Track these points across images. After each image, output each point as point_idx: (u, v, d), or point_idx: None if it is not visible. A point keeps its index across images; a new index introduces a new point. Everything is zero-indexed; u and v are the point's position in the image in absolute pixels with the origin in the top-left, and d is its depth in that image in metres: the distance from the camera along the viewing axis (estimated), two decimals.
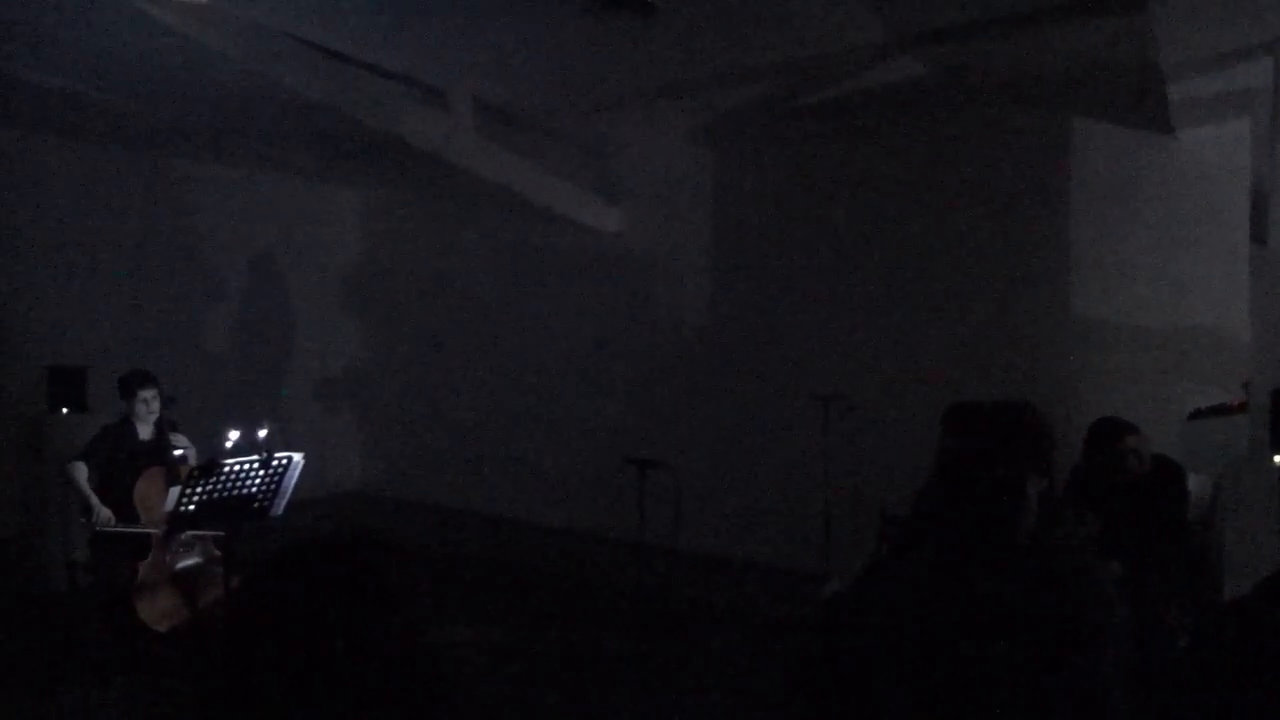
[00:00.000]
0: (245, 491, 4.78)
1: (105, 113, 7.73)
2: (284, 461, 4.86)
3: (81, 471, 5.62)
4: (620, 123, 8.39)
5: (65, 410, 7.33)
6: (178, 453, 5.79)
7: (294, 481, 4.92)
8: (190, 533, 5.26)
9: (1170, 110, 6.24)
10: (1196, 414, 6.16)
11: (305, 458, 4.93)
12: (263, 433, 5.22)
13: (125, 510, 5.56)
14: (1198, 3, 4.90)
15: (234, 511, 4.76)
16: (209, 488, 4.67)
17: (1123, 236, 6.82)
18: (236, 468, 4.73)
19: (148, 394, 5.81)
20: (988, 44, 6.11)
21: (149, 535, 5.43)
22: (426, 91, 7.51)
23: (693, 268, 8.79)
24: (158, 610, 5.34)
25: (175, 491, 4.73)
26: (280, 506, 4.93)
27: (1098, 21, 5.53)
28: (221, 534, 4.96)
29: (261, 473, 4.80)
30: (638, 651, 5.85)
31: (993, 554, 2.26)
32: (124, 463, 5.69)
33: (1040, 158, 7.07)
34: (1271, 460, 4.98)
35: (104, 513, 5.54)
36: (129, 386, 5.83)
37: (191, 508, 4.67)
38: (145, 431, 5.87)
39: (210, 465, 4.71)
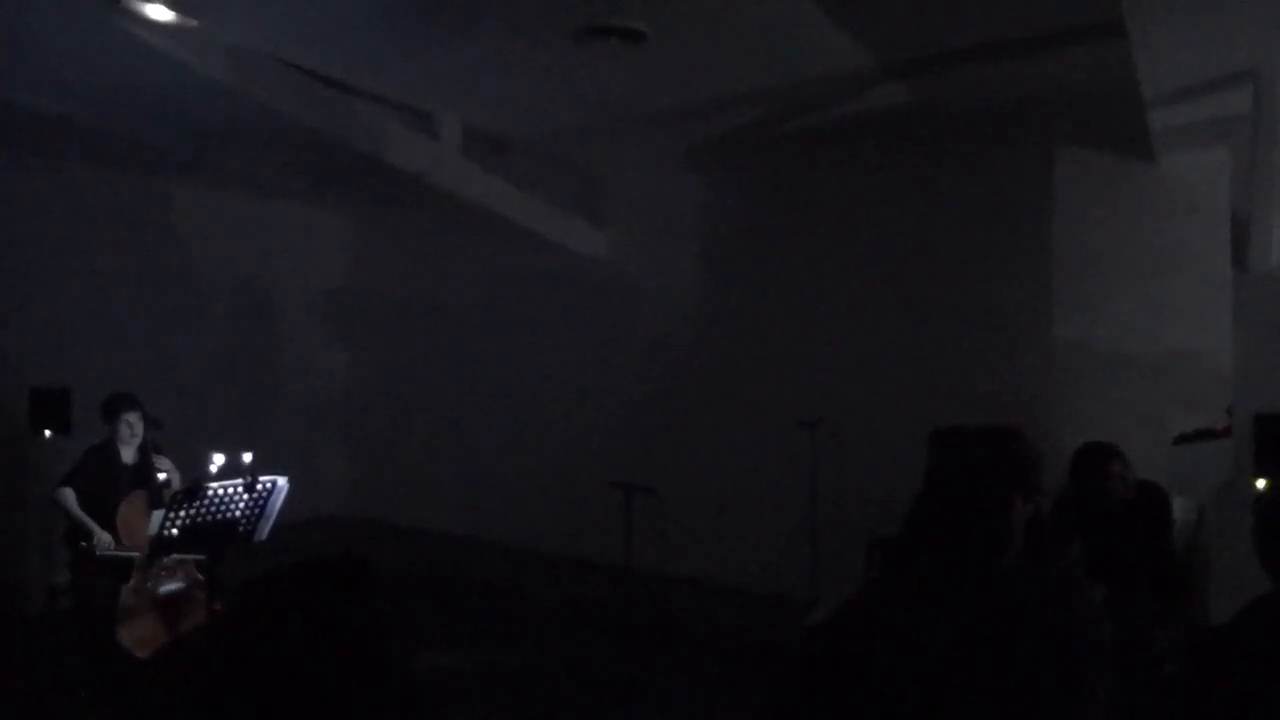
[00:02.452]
0: (229, 516, 4.75)
1: (90, 135, 7.71)
2: (268, 486, 4.83)
3: (71, 497, 5.56)
4: (607, 147, 8.42)
5: (48, 433, 7.28)
6: (161, 476, 5.74)
7: (279, 506, 4.89)
8: (173, 557, 5.21)
9: (1151, 137, 6.31)
10: (1181, 438, 6.20)
11: (290, 481, 4.90)
12: (247, 457, 5.18)
13: (108, 533, 5.51)
14: (1177, 31, 4.95)
15: (218, 536, 4.72)
16: (192, 512, 4.63)
17: (1106, 262, 6.87)
18: (220, 492, 4.70)
19: (131, 417, 5.76)
20: (971, 72, 6.18)
21: (131, 559, 5.37)
22: (413, 116, 7.53)
23: (679, 291, 8.80)
24: (139, 636, 5.26)
25: (158, 515, 4.68)
26: (265, 531, 4.91)
27: (1079, 50, 5.60)
28: (205, 559, 4.92)
29: (246, 497, 4.77)
30: (624, 677, 5.82)
31: (979, 578, 2.26)
32: (107, 486, 5.63)
33: (1023, 184, 7.13)
34: (1255, 484, 5.01)
35: (105, 537, 5.47)
36: (113, 409, 5.78)
37: (175, 532, 4.63)
38: (129, 455, 5.81)
39: (194, 489, 4.67)
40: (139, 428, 5.78)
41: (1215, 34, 5.08)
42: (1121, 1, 4.31)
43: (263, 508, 4.84)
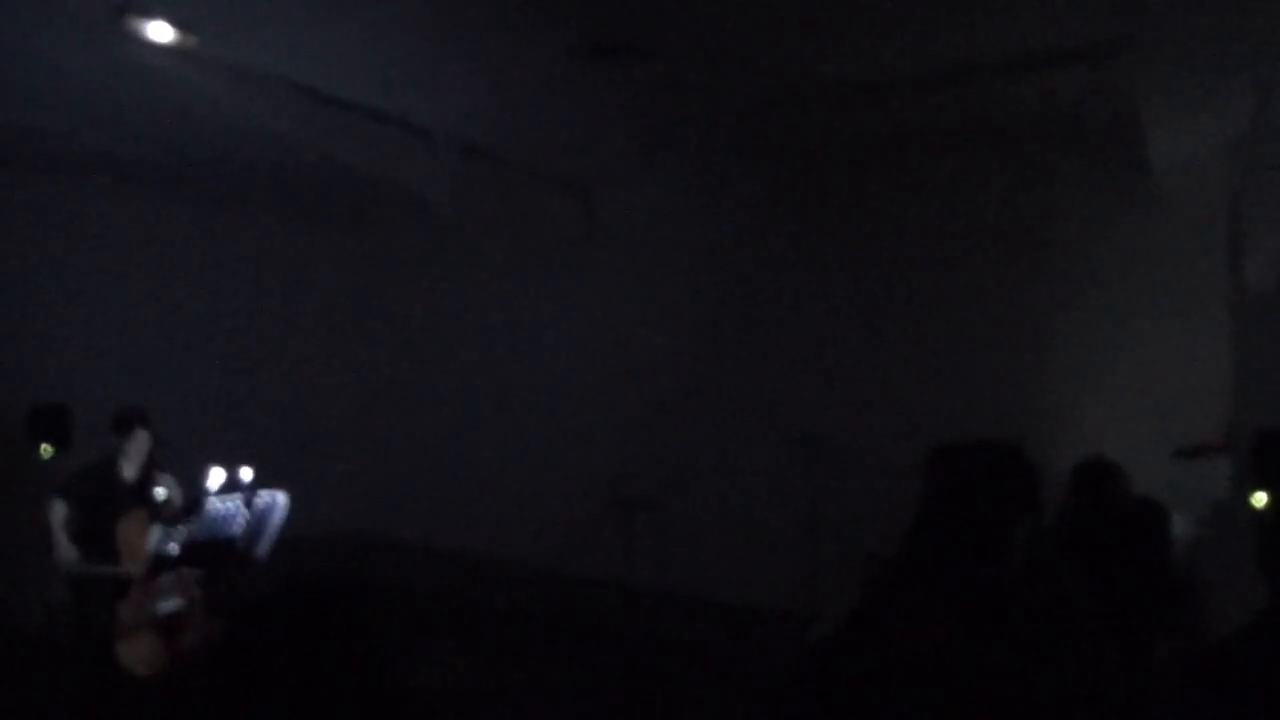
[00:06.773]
0: (229, 533, 4.75)
1: (91, 152, 7.74)
2: (268, 502, 4.83)
3: (58, 511, 5.51)
4: (607, 162, 8.45)
5: (47, 448, 7.26)
6: (161, 492, 5.71)
7: (278, 522, 4.89)
8: (172, 575, 5.18)
9: (1149, 156, 6.33)
10: (1180, 454, 6.19)
11: (290, 497, 4.90)
12: (247, 472, 5.18)
13: (107, 551, 5.47)
14: (1176, 52, 4.98)
15: (216, 553, 4.72)
16: (192, 529, 4.63)
17: (1105, 278, 6.88)
18: (220, 509, 4.69)
19: (142, 433, 5.71)
20: (973, 89, 6.20)
21: (130, 577, 5.34)
22: (412, 133, 7.54)
23: (682, 307, 8.81)
24: (138, 654, 5.23)
25: (158, 532, 4.68)
26: (264, 548, 4.90)
27: (1077, 69, 5.63)
28: (204, 576, 4.91)
29: (245, 514, 4.77)
30: (622, 697, 5.79)
31: (977, 597, 2.26)
32: (107, 503, 5.59)
33: (1023, 200, 7.15)
34: (1255, 499, 5.00)
35: (67, 553, 5.40)
36: (125, 423, 5.72)
37: (174, 549, 4.62)
38: (131, 471, 5.75)
39: (193, 506, 4.67)
40: (147, 444, 5.74)
41: (1214, 55, 5.11)
42: (1124, 20, 4.34)
43: (262, 524, 4.84)
